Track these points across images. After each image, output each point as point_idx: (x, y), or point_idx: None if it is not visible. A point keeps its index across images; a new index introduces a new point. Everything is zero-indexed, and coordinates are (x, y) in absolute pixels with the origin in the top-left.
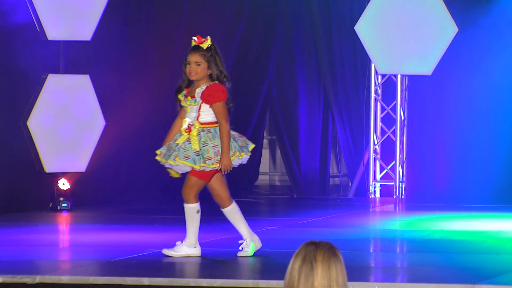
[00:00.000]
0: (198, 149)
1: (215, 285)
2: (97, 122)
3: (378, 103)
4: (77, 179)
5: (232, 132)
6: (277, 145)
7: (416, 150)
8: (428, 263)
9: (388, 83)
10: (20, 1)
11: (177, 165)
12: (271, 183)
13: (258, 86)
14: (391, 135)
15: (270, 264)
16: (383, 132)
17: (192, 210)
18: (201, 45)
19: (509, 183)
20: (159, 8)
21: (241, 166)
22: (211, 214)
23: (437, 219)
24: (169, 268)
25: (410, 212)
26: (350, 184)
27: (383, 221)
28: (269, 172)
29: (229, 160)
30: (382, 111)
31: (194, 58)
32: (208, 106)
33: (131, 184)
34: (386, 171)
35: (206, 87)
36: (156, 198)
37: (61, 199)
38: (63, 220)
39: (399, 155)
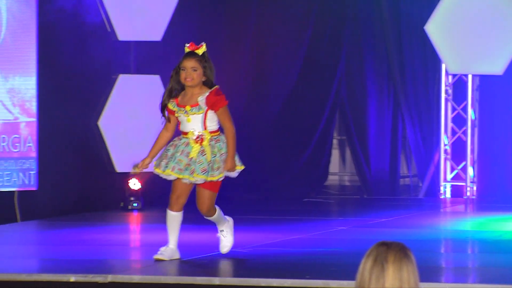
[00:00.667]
0: (210, 160)
1: (285, 285)
2: None
3: (449, 103)
4: (147, 178)
5: None
6: (346, 145)
7: (487, 150)
8: (499, 264)
9: (459, 83)
10: (92, 2)
11: (196, 180)
12: (340, 183)
13: (328, 86)
14: (462, 135)
15: (341, 264)
16: (453, 132)
17: (221, 217)
18: (196, 51)
19: None
20: (228, 8)
21: (309, 166)
22: (272, 214)
23: (509, 220)
24: (240, 267)
25: (481, 212)
26: (421, 185)
27: (454, 221)
28: (338, 172)
29: (234, 163)
30: (452, 111)
31: (190, 63)
32: (213, 112)
33: None
34: (457, 172)
35: (209, 93)
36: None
37: (132, 198)
38: (134, 220)
39: (470, 155)
